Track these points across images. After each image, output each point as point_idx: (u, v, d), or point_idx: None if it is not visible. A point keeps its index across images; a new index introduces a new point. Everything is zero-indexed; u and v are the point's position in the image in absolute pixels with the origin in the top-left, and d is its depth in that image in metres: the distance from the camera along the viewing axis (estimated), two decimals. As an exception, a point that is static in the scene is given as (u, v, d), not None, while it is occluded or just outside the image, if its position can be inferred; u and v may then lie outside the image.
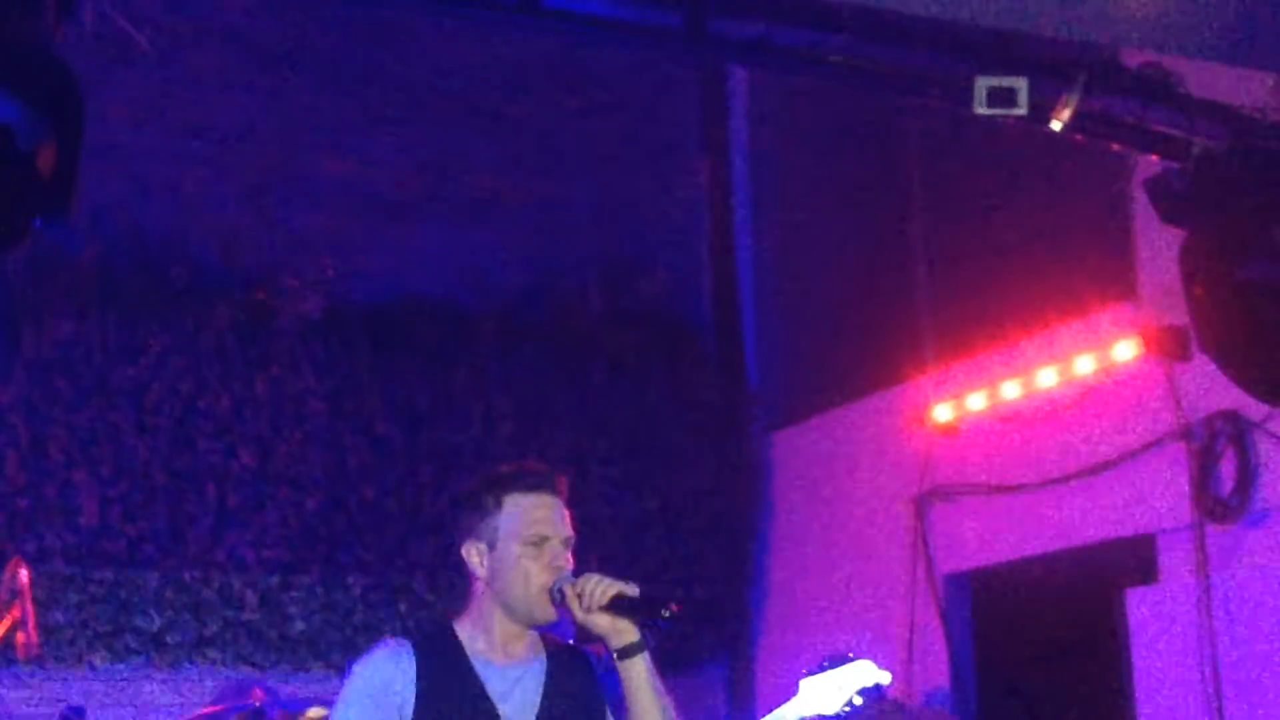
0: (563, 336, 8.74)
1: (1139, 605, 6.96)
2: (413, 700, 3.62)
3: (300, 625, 7.81)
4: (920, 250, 8.41)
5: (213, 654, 7.60)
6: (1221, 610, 6.62)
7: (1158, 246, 6.72)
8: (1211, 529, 6.72)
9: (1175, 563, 6.89)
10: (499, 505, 3.69)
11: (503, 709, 3.66)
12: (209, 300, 7.85)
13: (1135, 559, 7.04)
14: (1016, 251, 7.71)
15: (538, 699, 3.70)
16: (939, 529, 8.05)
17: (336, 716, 3.67)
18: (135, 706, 7.35)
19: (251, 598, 7.70)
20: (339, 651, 7.86)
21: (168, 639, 7.52)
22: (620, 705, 3.70)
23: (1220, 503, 6.70)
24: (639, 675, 3.61)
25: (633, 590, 3.60)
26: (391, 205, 8.71)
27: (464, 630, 3.73)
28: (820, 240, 9.20)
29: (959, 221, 8.17)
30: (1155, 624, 6.88)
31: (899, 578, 8.17)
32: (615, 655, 3.61)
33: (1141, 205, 6.42)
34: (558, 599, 3.63)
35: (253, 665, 7.60)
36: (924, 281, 8.36)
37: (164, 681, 7.51)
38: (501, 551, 3.67)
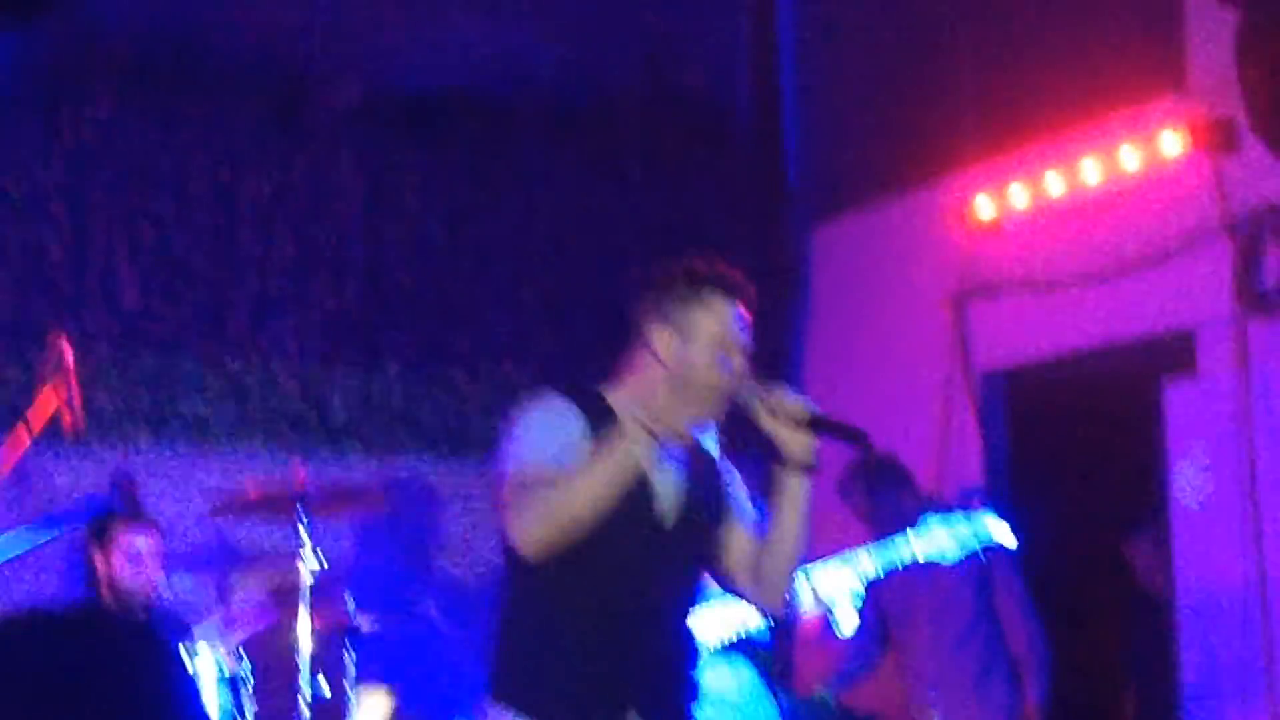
0: (601, 130, 8.67)
1: (1177, 398, 6.92)
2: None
3: (340, 411, 7.88)
4: (964, 40, 8.26)
5: (254, 438, 7.67)
6: (1261, 403, 6.58)
7: (1208, 34, 6.59)
8: (1253, 323, 6.66)
9: (1215, 356, 6.83)
10: (700, 300, 3.62)
11: (654, 479, 3.66)
12: (246, 86, 7.79)
13: (1174, 353, 6.98)
14: (1062, 40, 7.56)
15: (684, 480, 3.73)
16: (978, 326, 8.01)
17: (525, 451, 3.54)
18: (180, 487, 7.44)
19: (292, 384, 7.76)
20: (379, 437, 7.94)
21: (210, 422, 7.60)
22: (739, 509, 3.84)
23: (1262, 296, 6.61)
24: (802, 490, 3.69)
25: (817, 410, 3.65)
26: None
27: (618, 402, 3.67)
28: (862, 30, 9.04)
29: (1003, 9, 8.02)
30: (1193, 417, 6.84)
31: (936, 375, 8.17)
32: (786, 466, 3.66)
33: (1194, -11, 6.30)
34: (743, 403, 3.62)
35: (292, 449, 7.66)
36: (967, 72, 8.22)
37: (207, 464, 7.59)
38: (696, 346, 3.61)
